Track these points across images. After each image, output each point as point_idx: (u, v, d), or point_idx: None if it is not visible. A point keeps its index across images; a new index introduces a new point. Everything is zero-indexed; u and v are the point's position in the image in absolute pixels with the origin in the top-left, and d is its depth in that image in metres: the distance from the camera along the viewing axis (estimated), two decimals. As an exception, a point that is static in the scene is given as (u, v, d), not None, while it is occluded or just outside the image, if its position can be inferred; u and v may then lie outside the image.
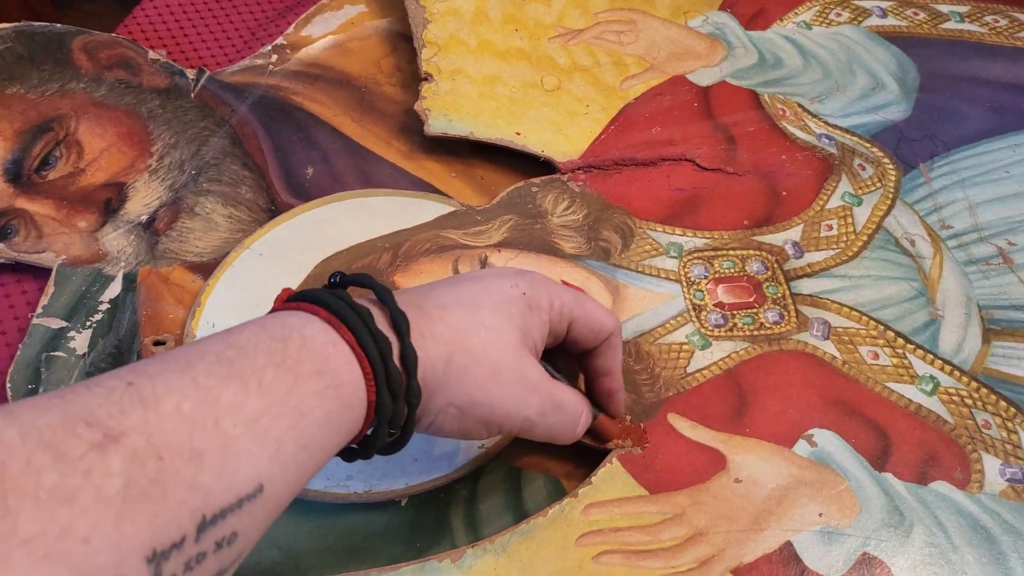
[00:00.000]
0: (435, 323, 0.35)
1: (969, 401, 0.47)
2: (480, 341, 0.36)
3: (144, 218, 0.54)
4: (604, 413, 0.43)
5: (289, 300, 0.35)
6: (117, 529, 0.24)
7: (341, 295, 0.34)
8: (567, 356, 0.42)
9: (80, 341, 0.48)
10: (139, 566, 0.24)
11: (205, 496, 0.26)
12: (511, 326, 0.37)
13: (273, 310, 0.35)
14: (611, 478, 0.42)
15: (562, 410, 0.38)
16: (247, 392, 0.28)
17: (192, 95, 0.60)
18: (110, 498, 0.24)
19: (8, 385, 0.46)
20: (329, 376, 0.31)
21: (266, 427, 0.28)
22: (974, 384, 0.48)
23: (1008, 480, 0.44)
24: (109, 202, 0.54)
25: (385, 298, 0.34)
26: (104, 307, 0.50)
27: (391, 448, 0.36)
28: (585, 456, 0.45)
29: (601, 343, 0.40)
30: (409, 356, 0.33)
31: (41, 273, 0.52)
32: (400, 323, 0.34)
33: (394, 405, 0.33)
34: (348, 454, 0.35)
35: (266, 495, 0.28)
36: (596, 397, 0.43)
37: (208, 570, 0.27)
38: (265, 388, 0.29)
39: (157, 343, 0.48)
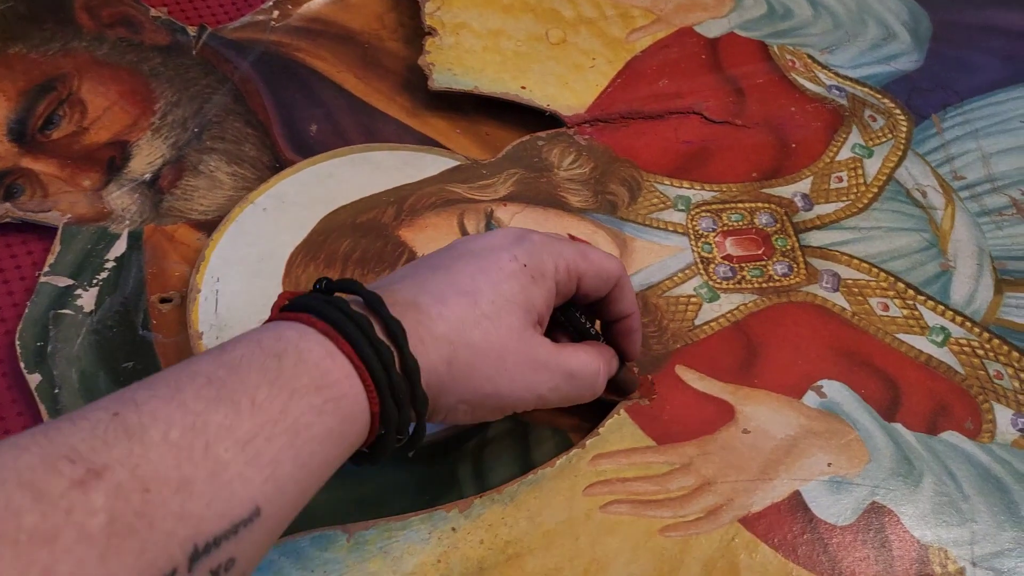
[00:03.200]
0: (434, 323, 0.34)
1: (981, 352, 0.46)
2: (482, 333, 0.34)
3: (148, 176, 0.53)
4: (624, 359, 0.42)
5: (285, 309, 0.33)
6: (103, 567, 0.23)
7: (339, 303, 0.32)
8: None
9: (87, 299, 0.48)
10: None
11: (196, 525, 0.25)
12: (513, 308, 0.35)
13: (270, 319, 0.33)
14: (618, 429, 0.42)
15: (575, 378, 0.38)
16: (238, 414, 0.28)
17: (194, 52, 0.59)
18: (93, 536, 0.23)
19: (18, 343, 0.46)
20: (328, 390, 0.30)
21: (259, 449, 0.27)
22: (986, 335, 0.47)
23: (1020, 430, 0.44)
24: (113, 160, 0.54)
25: (376, 307, 0.33)
26: (110, 265, 0.50)
27: (403, 450, 0.35)
28: (592, 409, 0.44)
29: (612, 290, 0.39)
30: (411, 366, 0.32)
31: (46, 232, 0.51)
32: (396, 333, 0.32)
33: (400, 414, 0.32)
34: (357, 459, 0.34)
35: (264, 517, 0.28)
36: (615, 341, 0.42)
37: None
38: (258, 408, 0.28)
39: (163, 300, 0.48)
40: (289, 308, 0.33)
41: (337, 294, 0.34)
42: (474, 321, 0.34)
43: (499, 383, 0.35)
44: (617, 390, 0.43)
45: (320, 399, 0.30)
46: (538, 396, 0.37)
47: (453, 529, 0.39)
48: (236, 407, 0.28)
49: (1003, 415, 0.44)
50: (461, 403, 0.35)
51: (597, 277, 0.39)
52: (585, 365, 0.38)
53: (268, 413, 0.28)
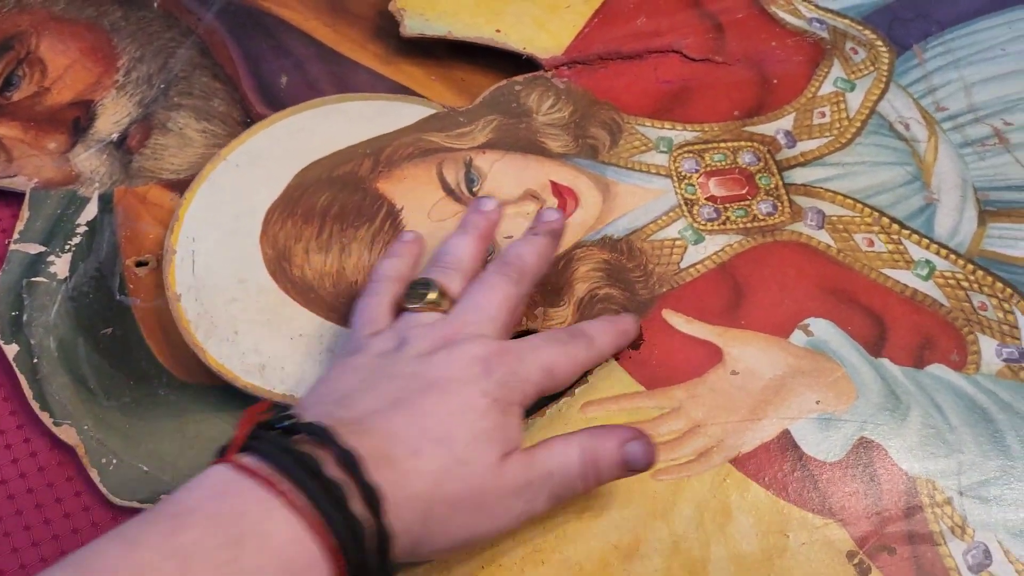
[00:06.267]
0: (409, 480, 0.32)
1: (965, 284, 0.46)
2: (459, 482, 0.33)
3: (115, 136, 0.52)
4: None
5: (250, 447, 0.31)
6: None
7: (312, 466, 0.30)
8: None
9: (60, 265, 0.47)
10: None
11: None
12: (489, 446, 0.34)
13: (229, 456, 0.31)
14: (607, 376, 0.42)
15: (553, 476, 0.35)
16: None
17: (155, 4, 0.57)
18: None
19: (-10, 313, 0.45)
20: None
21: None
22: (970, 267, 0.47)
23: (1004, 360, 0.44)
24: (78, 121, 0.52)
25: (353, 470, 0.30)
26: (82, 230, 0.49)
27: None
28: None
29: None
30: (384, 538, 0.30)
31: (12, 198, 0.50)
32: (374, 503, 0.30)
33: None
34: None
35: None
36: None
37: None
38: None
39: (139, 264, 0.47)
40: (255, 449, 0.31)
41: (302, 440, 0.31)
42: (450, 470, 0.33)
43: (478, 526, 0.34)
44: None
45: None
46: (518, 517, 0.35)
47: (445, 482, 0.39)
48: None
49: (988, 346, 0.44)
50: (437, 552, 0.34)
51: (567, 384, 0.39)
52: (560, 460, 0.36)
53: None
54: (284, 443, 0.31)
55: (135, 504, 0.41)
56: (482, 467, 0.33)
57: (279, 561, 0.28)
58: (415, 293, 0.39)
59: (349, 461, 0.31)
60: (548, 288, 0.44)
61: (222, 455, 0.31)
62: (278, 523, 0.28)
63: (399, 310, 0.40)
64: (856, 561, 0.38)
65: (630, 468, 0.36)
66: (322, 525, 0.29)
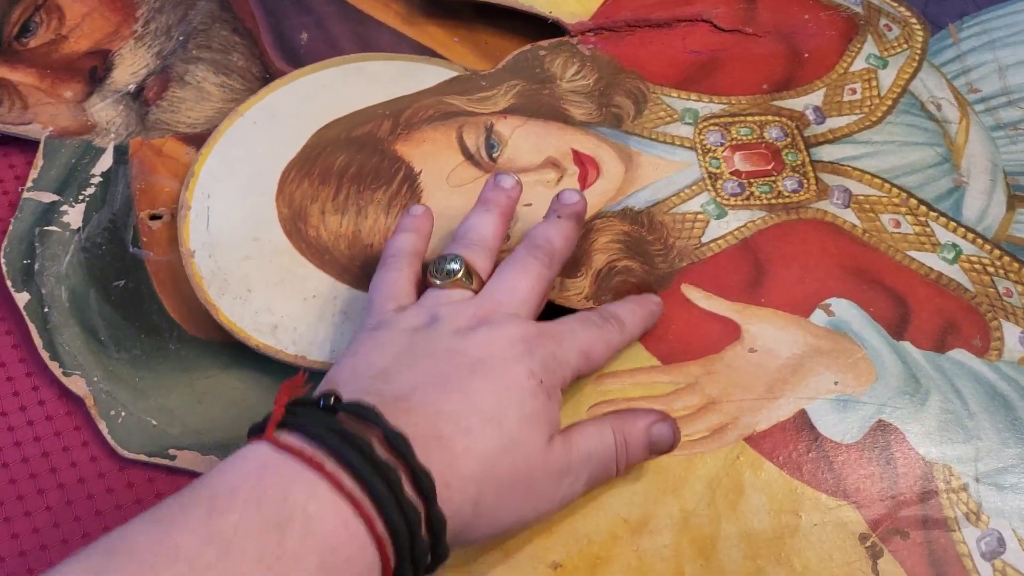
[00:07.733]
0: (460, 461, 0.30)
1: (991, 269, 0.45)
2: (510, 463, 0.32)
3: (132, 87, 0.51)
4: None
5: (293, 424, 0.29)
6: None
7: (362, 446, 0.28)
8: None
9: (73, 215, 0.47)
10: None
11: None
12: (537, 426, 0.33)
13: (267, 432, 0.29)
14: (623, 349, 0.42)
15: (591, 459, 0.35)
16: None
17: (176, -45, 0.56)
18: None
19: (3, 260, 0.45)
20: (336, 570, 0.26)
21: None
22: (997, 252, 0.46)
23: (1028, 348, 0.43)
24: (95, 70, 0.51)
25: (404, 452, 0.29)
26: (96, 180, 0.48)
27: None
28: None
29: None
30: (437, 525, 0.29)
31: (28, 146, 0.49)
32: (426, 487, 0.29)
33: (415, 570, 0.29)
34: None
35: None
36: None
37: None
38: None
39: (153, 217, 0.47)
40: (297, 426, 0.29)
41: (347, 419, 0.29)
42: (502, 450, 0.31)
43: (525, 510, 0.33)
44: None
45: None
46: (560, 501, 0.34)
47: (456, 448, 0.39)
48: None
49: (1011, 332, 0.44)
50: (484, 537, 0.33)
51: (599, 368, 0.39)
52: (597, 441, 0.35)
53: None
54: (329, 422, 0.29)
55: (142, 457, 0.41)
56: (532, 449, 0.32)
57: (324, 547, 0.26)
58: (442, 269, 0.37)
59: (399, 443, 0.29)
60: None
61: (260, 431, 0.30)
62: (323, 505, 0.27)
63: (422, 286, 0.39)
64: (868, 544, 0.38)
65: (655, 450, 0.37)
66: (373, 510, 0.27)
